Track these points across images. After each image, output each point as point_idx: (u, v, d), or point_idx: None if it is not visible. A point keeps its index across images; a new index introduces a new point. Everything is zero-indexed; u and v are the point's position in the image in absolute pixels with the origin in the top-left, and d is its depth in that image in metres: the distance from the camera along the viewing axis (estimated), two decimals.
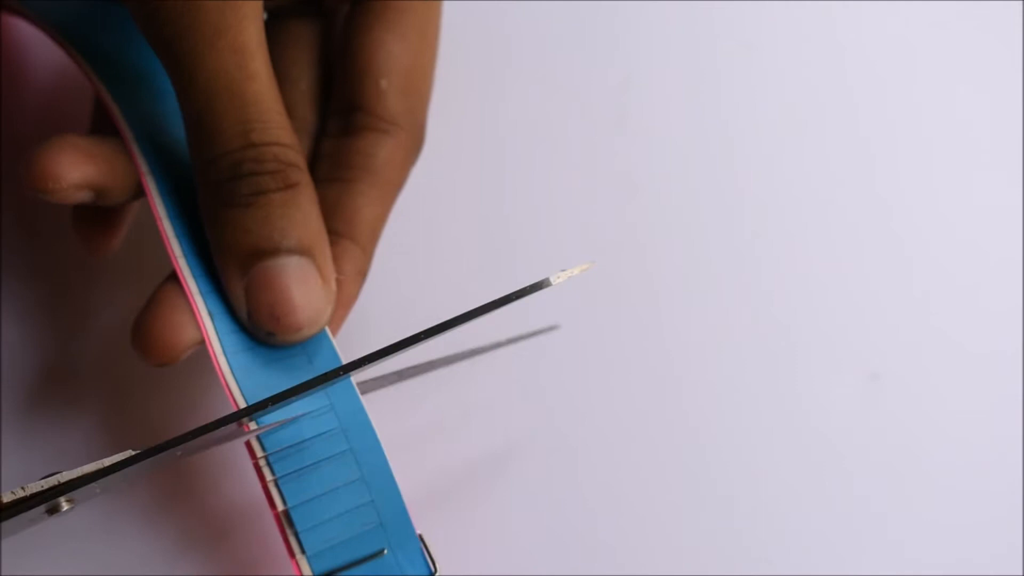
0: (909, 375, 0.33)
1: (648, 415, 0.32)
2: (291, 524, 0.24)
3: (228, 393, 0.25)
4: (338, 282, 0.26)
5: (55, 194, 0.25)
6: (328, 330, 0.26)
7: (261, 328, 0.25)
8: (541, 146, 0.36)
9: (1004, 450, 0.32)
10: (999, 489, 0.32)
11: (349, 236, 0.27)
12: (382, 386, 0.27)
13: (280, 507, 0.24)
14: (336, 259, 0.26)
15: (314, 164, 0.28)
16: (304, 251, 0.25)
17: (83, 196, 0.26)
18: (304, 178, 0.25)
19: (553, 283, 0.24)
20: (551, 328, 0.31)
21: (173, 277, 0.26)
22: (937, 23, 0.39)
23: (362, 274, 0.27)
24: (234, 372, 0.25)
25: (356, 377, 0.25)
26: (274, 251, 0.24)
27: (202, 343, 0.25)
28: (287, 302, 0.24)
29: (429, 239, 0.33)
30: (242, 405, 0.25)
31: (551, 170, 0.36)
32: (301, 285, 0.25)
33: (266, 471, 0.24)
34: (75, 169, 0.25)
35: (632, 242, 0.35)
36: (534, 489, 0.31)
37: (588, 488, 0.31)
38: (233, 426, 0.24)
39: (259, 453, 0.24)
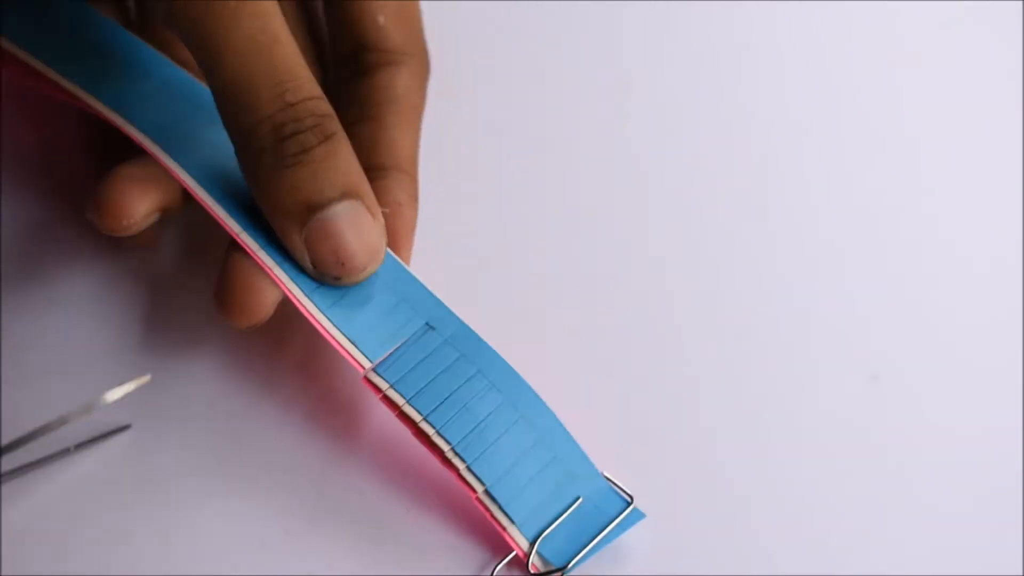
0: (909, 376, 0.33)
1: (645, 415, 0.32)
2: (494, 500, 0.26)
3: (336, 344, 0.27)
4: (397, 210, 0.28)
5: (129, 230, 0.27)
6: (400, 259, 0.28)
7: (328, 275, 0.27)
8: (540, 145, 0.36)
9: (1004, 450, 0.32)
10: (999, 490, 0.31)
11: (395, 167, 0.29)
12: None
13: (479, 488, 0.26)
14: (391, 190, 0.28)
15: (336, 112, 0.29)
16: (351, 195, 0.26)
17: (152, 221, 0.28)
18: (338, 126, 0.27)
19: (108, 401, 0.27)
20: (124, 427, 0.30)
21: (235, 246, 0.28)
22: (938, 23, 0.39)
23: (415, 199, 0.29)
24: (336, 324, 0.27)
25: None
26: (326, 202, 0.26)
27: (281, 299, 0.28)
28: (347, 247, 0.26)
29: (425, 237, 0.33)
30: (353, 351, 0.27)
31: (550, 170, 0.36)
32: (355, 228, 0.26)
33: (456, 460, 0.26)
34: (142, 202, 0.27)
35: (628, 241, 0.35)
36: None
37: None
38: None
39: (444, 447, 0.26)
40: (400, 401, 0.27)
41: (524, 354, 0.29)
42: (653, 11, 0.39)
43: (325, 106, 0.26)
